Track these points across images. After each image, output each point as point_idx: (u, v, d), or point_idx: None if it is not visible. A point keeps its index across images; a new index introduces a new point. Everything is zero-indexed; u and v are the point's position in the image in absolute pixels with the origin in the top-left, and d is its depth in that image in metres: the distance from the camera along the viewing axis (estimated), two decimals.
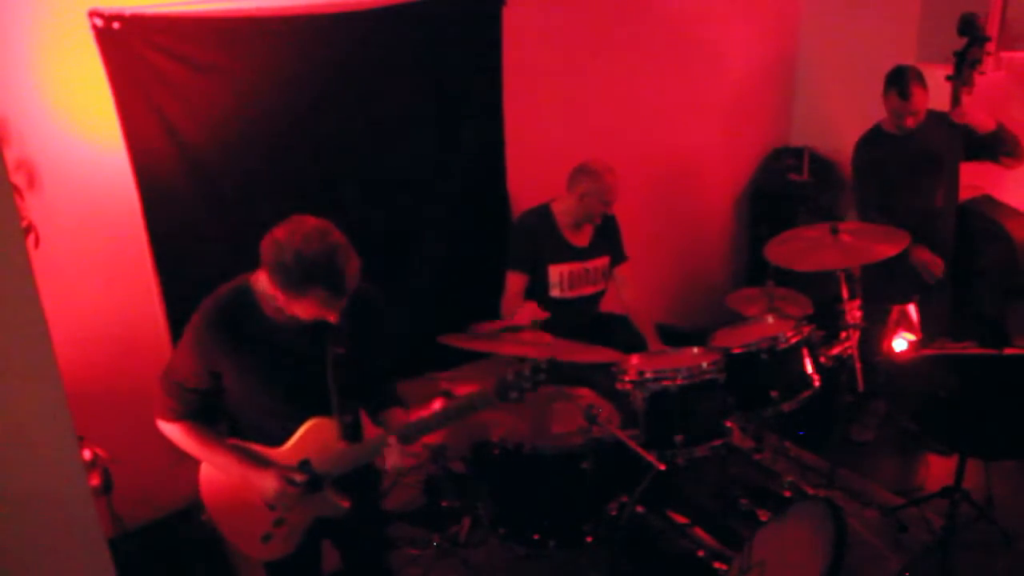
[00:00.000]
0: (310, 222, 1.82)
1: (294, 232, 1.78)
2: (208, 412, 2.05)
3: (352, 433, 2.07)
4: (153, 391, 2.05)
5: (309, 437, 2.02)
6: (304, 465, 2.00)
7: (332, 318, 1.86)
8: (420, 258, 3.35)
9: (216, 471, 2.08)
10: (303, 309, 1.84)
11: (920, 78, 3.20)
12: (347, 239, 1.84)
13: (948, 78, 3.16)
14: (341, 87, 2.97)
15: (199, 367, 1.95)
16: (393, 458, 1.99)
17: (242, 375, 1.97)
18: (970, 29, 3.13)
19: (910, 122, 3.23)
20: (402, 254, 3.29)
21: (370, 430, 2.23)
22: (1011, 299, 3.29)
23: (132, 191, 2.68)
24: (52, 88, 2.52)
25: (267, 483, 1.97)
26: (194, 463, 2.16)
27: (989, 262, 3.30)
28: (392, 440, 1.98)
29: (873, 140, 3.42)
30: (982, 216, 3.30)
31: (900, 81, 3.19)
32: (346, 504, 2.04)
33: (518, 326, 2.75)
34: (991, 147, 3.22)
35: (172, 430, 2.04)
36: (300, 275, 1.76)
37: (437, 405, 2.05)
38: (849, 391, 3.05)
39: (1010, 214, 3.31)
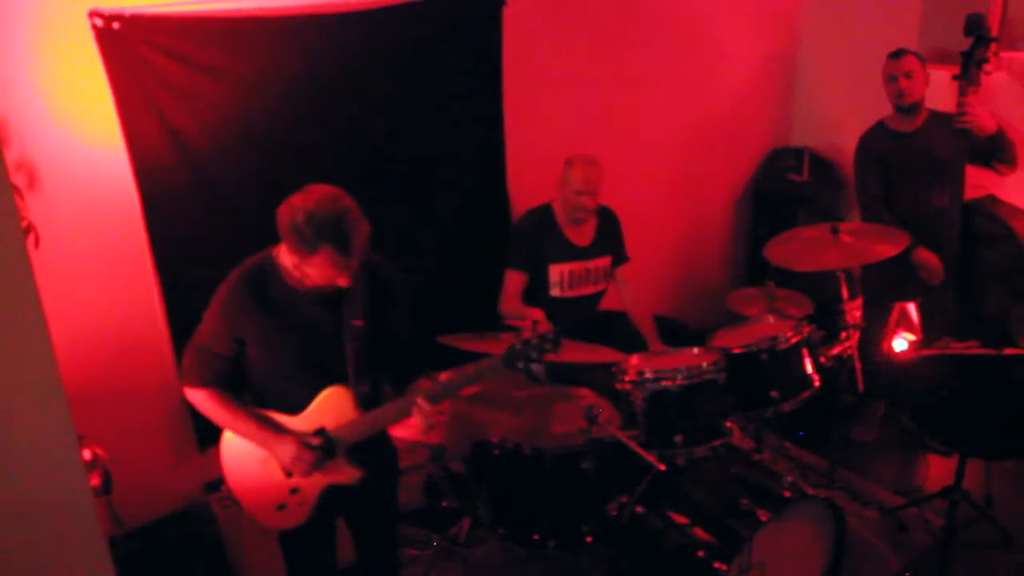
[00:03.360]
0: (321, 188, 1.93)
1: (307, 195, 1.90)
2: (233, 381, 2.12)
3: (368, 402, 2.12)
4: (182, 360, 2.13)
5: (325, 405, 2.09)
6: (320, 432, 2.08)
7: (343, 281, 1.95)
8: (420, 258, 3.35)
9: (238, 438, 2.15)
10: (315, 270, 1.92)
11: (918, 54, 3.26)
12: (357, 205, 1.94)
13: (955, 77, 3.17)
14: (341, 87, 2.97)
15: (224, 331, 2.04)
16: (421, 418, 2.04)
17: (264, 341, 2.05)
18: (977, 29, 3.14)
19: (905, 85, 3.23)
20: (402, 253, 3.27)
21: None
22: (1015, 299, 3.29)
23: (132, 191, 2.69)
24: (52, 88, 2.52)
25: (285, 448, 2.06)
26: (194, 461, 2.17)
27: (993, 262, 3.30)
28: (421, 400, 2.03)
29: (876, 136, 3.43)
30: (987, 216, 3.30)
31: (894, 51, 3.28)
32: (359, 473, 2.10)
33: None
34: (987, 152, 3.23)
35: (198, 396, 2.11)
36: (310, 233, 1.85)
37: (423, 386, 2.09)
38: (849, 391, 3.06)
39: (1015, 214, 3.30)
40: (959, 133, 3.15)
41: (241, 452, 2.16)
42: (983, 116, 3.13)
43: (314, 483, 2.13)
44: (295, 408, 2.10)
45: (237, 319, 2.03)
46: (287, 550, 2.31)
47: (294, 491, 2.15)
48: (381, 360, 2.19)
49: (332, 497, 2.16)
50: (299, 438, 2.06)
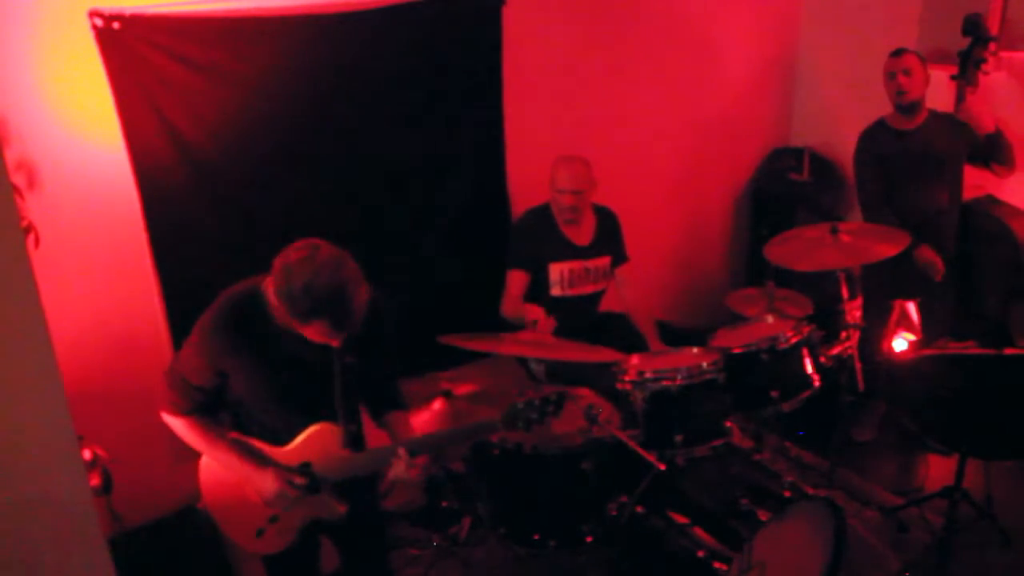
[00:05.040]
0: (324, 252, 1.79)
1: (305, 261, 1.77)
2: (212, 407, 2.06)
3: (355, 442, 2.08)
4: (158, 384, 2.06)
5: (312, 441, 2.04)
6: (305, 467, 2.01)
7: (335, 343, 1.88)
8: (420, 258, 3.35)
9: (217, 465, 2.09)
10: (308, 333, 1.85)
11: (919, 54, 3.27)
12: (359, 269, 1.83)
13: (953, 77, 3.18)
14: (341, 87, 2.97)
15: (206, 367, 1.96)
16: (399, 469, 2.01)
17: (249, 378, 1.98)
18: (975, 29, 3.15)
19: (904, 81, 3.24)
20: (402, 254, 3.29)
21: (372, 439, 2.23)
22: (1014, 299, 3.29)
23: (132, 191, 2.69)
24: (52, 88, 2.52)
25: (267, 483, 1.98)
26: (194, 462, 2.17)
27: (992, 262, 3.30)
28: (401, 451, 2.00)
29: (876, 134, 3.43)
30: (985, 216, 3.30)
31: (895, 50, 3.29)
32: (343, 509, 2.05)
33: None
34: (985, 152, 3.24)
35: (176, 424, 2.05)
36: (305, 307, 1.76)
37: (437, 406, 2.07)
38: (849, 391, 3.05)
39: (1013, 214, 3.31)
40: (959, 128, 3.16)
41: (220, 474, 2.10)
42: (985, 113, 3.13)
43: (296, 514, 2.07)
44: (279, 440, 2.04)
45: (220, 357, 1.94)
46: (268, 566, 2.25)
47: (274, 519, 2.07)
48: (368, 393, 2.15)
49: (315, 522, 2.11)
50: (282, 474, 1.98)
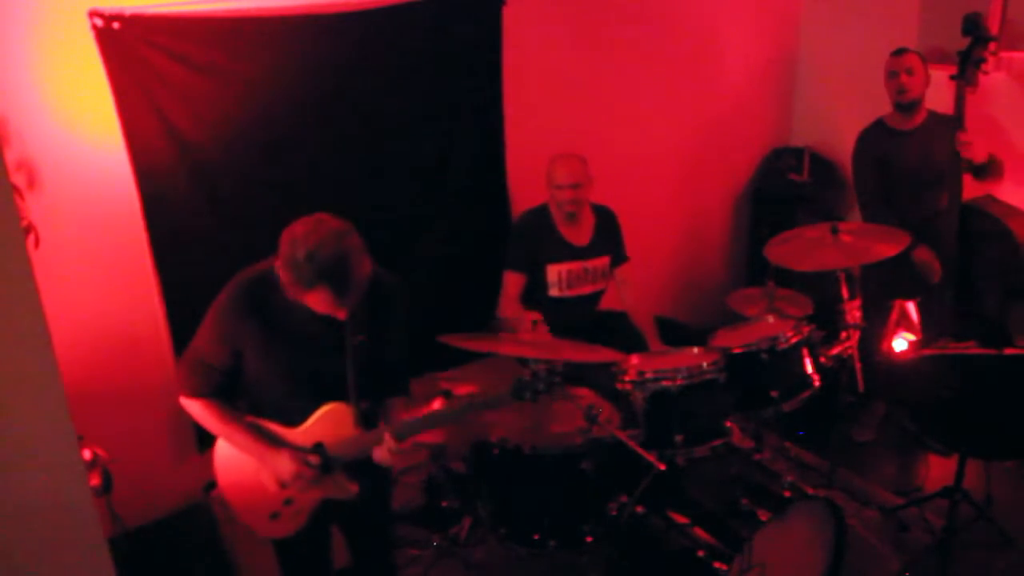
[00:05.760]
0: (329, 224, 1.87)
1: (311, 231, 1.84)
2: (229, 390, 2.09)
3: (367, 420, 2.10)
4: (176, 370, 2.10)
5: (325, 420, 2.06)
6: (318, 448, 2.05)
7: (341, 315, 1.92)
8: (419, 257, 3.35)
9: (233, 448, 2.12)
10: (312, 303, 1.90)
11: (920, 53, 3.31)
12: (362, 243, 1.89)
13: (952, 77, 3.19)
14: (341, 87, 2.97)
15: (221, 345, 2.00)
16: (382, 453, 2.03)
17: (262, 355, 2.01)
18: (975, 28, 3.15)
19: (905, 80, 3.27)
20: (401, 253, 3.28)
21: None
22: (1013, 299, 3.30)
23: (132, 191, 2.69)
24: (52, 88, 2.52)
25: (282, 463, 2.02)
26: (194, 462, 2.17)
27: (991, 261, 3.30)
28: (386, 435, 2.01)
29: (875, 134, 3.44)
30: (984, 215, 3.31)
31: (897, 49, 3.32)
32: (355, 488, 2.08)
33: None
34: (976, 171, 3.31)
35: (193, 406, 2.08)
36: (308, 272, 1.82)
37: (436, 406, 2.07)
38: (849, 391, 3.05)
39: (1012, 213, 3.31)
40: (957, 133, 3.18)
41: (235, 459, 2.13)
42: (977, 149, 3.16)
43: (309, 496, 2.10)
44: (292, 420, 2.07)
45: (236, 330, 1.98)
46: (282, 556, 2.28)
47: (288, 502, 2.11)
48: (378, 375, 2.16)
49: (327, 507, 2.14)
50: (297, 454, 2.02)
